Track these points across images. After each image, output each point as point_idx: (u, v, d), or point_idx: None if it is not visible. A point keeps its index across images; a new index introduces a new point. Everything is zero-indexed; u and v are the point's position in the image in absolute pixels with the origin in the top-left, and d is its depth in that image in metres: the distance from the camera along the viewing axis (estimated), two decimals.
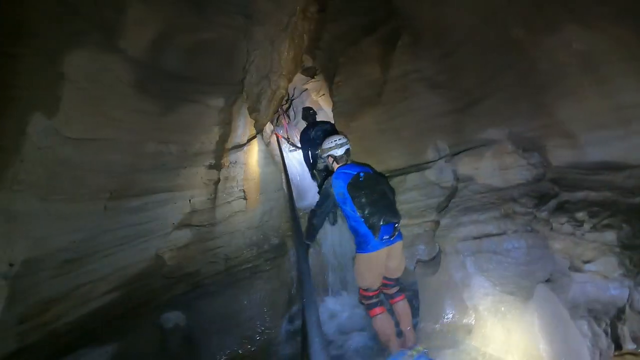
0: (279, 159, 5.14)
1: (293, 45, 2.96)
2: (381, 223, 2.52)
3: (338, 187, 2.74)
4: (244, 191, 3.95)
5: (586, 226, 2.09)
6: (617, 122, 2.20)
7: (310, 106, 5.85)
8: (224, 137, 3.31)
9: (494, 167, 3.07)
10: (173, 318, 3.20)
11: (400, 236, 2.83)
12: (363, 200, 2.57)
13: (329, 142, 2.96)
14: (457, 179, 3.39)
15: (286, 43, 2.91)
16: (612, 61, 2.03)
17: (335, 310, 3.99)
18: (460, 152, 3.34)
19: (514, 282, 2.62)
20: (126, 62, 2.06)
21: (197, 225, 3.43)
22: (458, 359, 2.60)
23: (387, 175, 3.91)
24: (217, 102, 3.09)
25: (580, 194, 2.29)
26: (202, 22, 2.57)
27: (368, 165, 3.02)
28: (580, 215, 2.15)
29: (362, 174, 2.72)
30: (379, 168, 4.00)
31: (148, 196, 2.81)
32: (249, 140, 3.69)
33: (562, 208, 2.34)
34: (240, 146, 3.61)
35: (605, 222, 2.00)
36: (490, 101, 2.98)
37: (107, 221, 2.42)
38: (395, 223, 2.64)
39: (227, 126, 3.25)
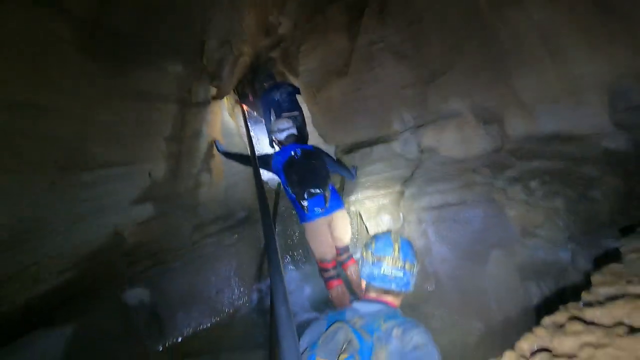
0: (243, 130, 4.98)
1: (255, 10, 2.78)
2: (306, 196, 2.63)
3: (276, 163, 2.95)
4: (207, 163, 3.81)
5: (538, 194, 2.23)
6: (568, 93, 2.32)
7: (268, 68, 5.63)
8: (183, 106, 3.12)
9: (456, 139, 3.16)
10: (137, 295, 3.11)
11: (339, 205, 2.95)
12: (294, 177, 2.72)
13: (274, 127, 3.18)
14: (422, 150, 3.47)
15: (247, 4, 2.73)
16: (566, 33, 2.11)
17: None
18: (425, 124, 3.40)
19: (471, 248, 2.77)
20: (68, 21, 1.84)
21: (158, 200, 3.28)
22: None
23: (353, 147, 3.93)
24: (174, 67, 2.88)
25: (534, 164, 2.43)
26: None
27: (312, 145, 3.18)
28: (533, 184, 2.28)
29: (299, 152, 2.86)
30: (346, 140, 4.02)
31: (102, 169, 2.61)
32: (209, 101, 3.47)
33: (517, 178, 2.47)
34: (201, 112, 3.43)
35: (555, 189, 2.14)
36: (453, 72, 3.02)
37: (57, 196, 2.23)
38: (322, 194, 2.71)
39: (186, 94, 3.06)
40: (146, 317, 3.08)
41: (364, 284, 1.31)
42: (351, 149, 3.91)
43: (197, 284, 3.47)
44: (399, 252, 1.23)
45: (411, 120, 3.57)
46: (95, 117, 2.32)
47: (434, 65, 3.14)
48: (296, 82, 4.80)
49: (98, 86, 2.19)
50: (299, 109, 4.48)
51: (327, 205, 2.76)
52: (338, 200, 2.98)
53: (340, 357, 0.99)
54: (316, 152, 3.02)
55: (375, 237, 1.32)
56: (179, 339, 3.22)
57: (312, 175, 2.75)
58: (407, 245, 1.27)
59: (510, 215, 2.37)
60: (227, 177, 4.16)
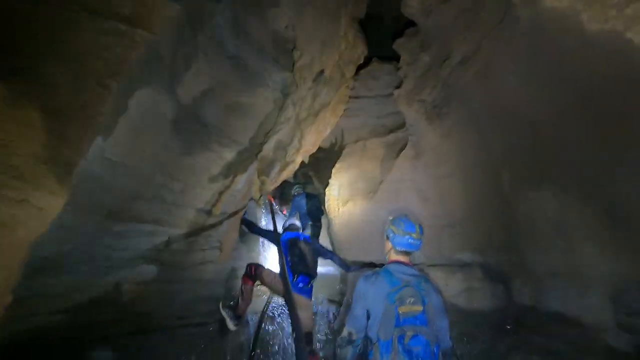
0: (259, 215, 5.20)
1: (317, 132, 3.29)
2: (300, 269, 3.21)
3: (283, 239, 3.56)
4: (220, 242, 3.93)
5: None
6: (576, 282, 2.51)
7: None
8: (224, 188, 3.41)
9: (462, 289, 3.28)
10: (104, 358, 2.93)
11: (309, 293, 3.32)
12: (296, 252, 3.31)
13: (290, 220, 3.78)
14: None
15: (312, 128, 3.23)
16: (579, 232, 2.38)
17: None
18: (435, 265, 3.57)
19: None
20: (175, 104, 2.25)
21: (165, 264, 3.33)
22: None
23: (364, 265, 4.04)
24: (230, 154, 3.27)
25: (537, 339, 2.49)
26: (246, 88, 2.87)
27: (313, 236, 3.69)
28: (535, 359, 2.31)
29: (301, 238, 3.48)
30: (357, 257, 4.16)
31: (133, 224, 2.78)
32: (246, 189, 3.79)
33: (518, 348, 2.51)
34: (235, 196, 3.70)
35: None
36: (470, 228, 3.31)
37: (88, 238, 2.37)
38: (310, 278, 3.26)
39: (230, 179, 3.38)
40: None
41: (389, 246, 1.92)
42: (362, 266, 4.02)
43: None
44: (419, 230, 1.85)
45: (422, 257, 3.76)
46: (154, 179, 2.59)
47: (453, 216, 3.47)
48: (319, 187, 5.20)
49: (170, 158, 2.51)
50: (320, 220, 4.81)
51: (308, 287, 3.26)
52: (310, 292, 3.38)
53: (413, 307, 1.60)
54: (317, 245, 3.58)
55: (401, 219, 1.92)
56: None
57: (308, 260, 3.32)
58: (421, 226, 1.89)
59: None
60: (234, 259, 4.22)
